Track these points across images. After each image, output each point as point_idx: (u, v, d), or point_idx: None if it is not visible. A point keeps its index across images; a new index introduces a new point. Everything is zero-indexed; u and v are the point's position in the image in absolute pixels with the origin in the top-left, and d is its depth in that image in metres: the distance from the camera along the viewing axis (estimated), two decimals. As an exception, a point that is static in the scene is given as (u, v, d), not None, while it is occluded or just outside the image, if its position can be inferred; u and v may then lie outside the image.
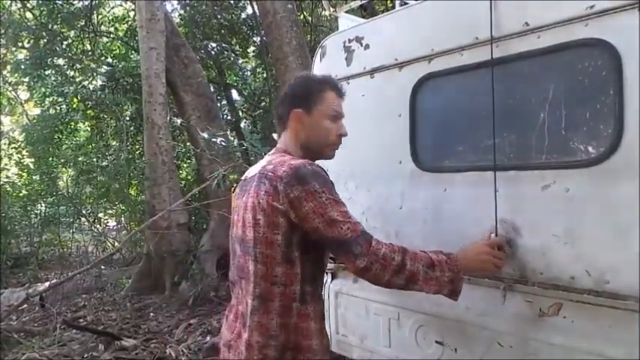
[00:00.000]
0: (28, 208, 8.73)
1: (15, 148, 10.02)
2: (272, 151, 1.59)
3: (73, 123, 10.09)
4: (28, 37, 9.78)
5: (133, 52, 9.99)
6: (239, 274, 1.49)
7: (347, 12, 2.57)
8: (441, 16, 1.80)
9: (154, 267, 6.60)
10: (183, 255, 6.58)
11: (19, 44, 10.17)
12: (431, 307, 1.80)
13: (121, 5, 10.82)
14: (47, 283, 6.56)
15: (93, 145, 9.83)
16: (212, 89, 8.92)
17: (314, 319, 1.43)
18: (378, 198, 2.00)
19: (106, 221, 10.22)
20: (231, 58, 10.24)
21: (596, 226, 1.39)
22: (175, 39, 7.49)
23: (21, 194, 9.17)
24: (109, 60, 10.39)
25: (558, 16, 1.46)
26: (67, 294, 6.24)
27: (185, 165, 9.84)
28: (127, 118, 9.26)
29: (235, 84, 10.90)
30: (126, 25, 10.50)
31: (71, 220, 8.73)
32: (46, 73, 9.82)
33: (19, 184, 9.71)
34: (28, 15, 10.14)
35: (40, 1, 9.49)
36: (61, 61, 10.15)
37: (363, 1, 2.72)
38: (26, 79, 10.23)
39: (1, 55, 10.14)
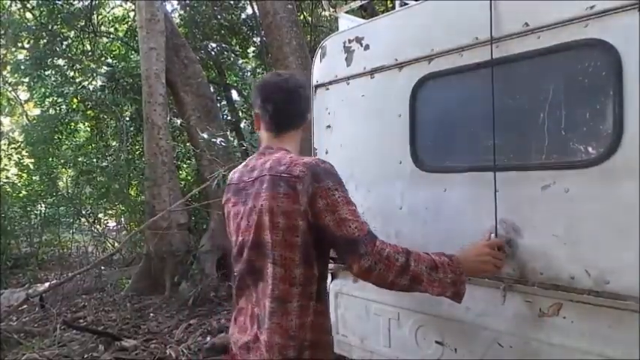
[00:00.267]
0: (28, 209, 8.73)
1: (15, 148, 10.02)
2: (270, 150, 1.53)
3: (72, 123, 10.09)
4: (28, 38, 9.79)
5: (132, 52, 10.00)
6: (252, 277, 1.46)
7: (347, 12, 2.57)
8: (441, 16, 1.80)
9: (153, 267, 6.60)
10: (183, 255, 6.58)
11: (19, 44, 10.17)
12: (431, 308, 1.80)
13: (121, 5, 10.83)
14: (47, 284, 6.56)
15: (93, 145, 9.84)
16: (212, 89, 8.92)
17: (326, 315, 1.48)
18: (378, 198, 2.00)
19: (105, 221, 10.22)
20: (231, 59, 10.24)
21: (596, 226, 1.39)
22: (175, 39, 7.49)
23: (21, 195, 9.17)
24: (109, 60, 10.39)
25: (558, 16, 1.46)
26: (67, 294, 6.24)
27: (185, 165, 9.84)
28: (127, 119, 9.26)
29: (235, 84, 10.90)
30: (126, 25, 10.51)
31: (71, 220, 8.74)
32: (46, 73, 9.82)
33: (18, 184, 9.72)
34: (28, 15, 10.14)
35: (40, 2, 9.49)
36: (61, 62, 10.15)
37: (363, 2, 2.72)
38: (26, 80, 10.25)
39: (1, 56, 10.14)
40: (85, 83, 10.02)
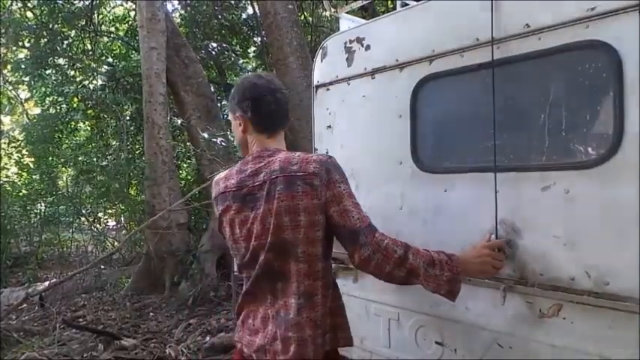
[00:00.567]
0: (28, 208, 8.72)
1: (15, 147, 9.99)
2: (268, 152, 1.51)
3: (73, 122, 10.07)
4: (29, 37, 9.78)
5: (133, 51, 10.00)
6: (270, 279, 1.46)
7: (347, 13, 2.57)
8: (442, 17, 1.80)
9: (153, 267, 6.60)
10: (183, 255, 6.58)
11: (20, 43, 10.17)
12: (431, 308, 1.80)
13: (122, 5, 10.84)
14: (47, 283, 6.57)
15: (93, 144, 9.82)
16: (212, 89, 8.91)
17: (341, 298, 1.58)
18: (379, 198, 2.01)
19: (105, 221, 10.20)
20: (232, 59, 10.24)
21: (596, 227, 1.39)
22: (176, 39, 7.49)
23: (21, 194, 9.16)
24: (110, 60, 10.39)
25: (559, 17, 1.47)
26: (67, 293, 6.25)
27: (185, 165, 9.83)
28: (128, 118, 9.26)
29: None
30: (126, 24, 10.51)
31: (71, 219, 8.73)
32: (47, 72, 9.81)
33: (18, 183, 9.71)
34: (29, 14, 10.15)
35: (41, 1, 9.49)
36: (61, 61, 10.15)
37: (364, 2, 2.72)
38: (26, 79, 10.23)
39: (2, 55, 10.14)
40: (86, 82, 10.02)
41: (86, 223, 9.05)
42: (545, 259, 1.50)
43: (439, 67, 1.80)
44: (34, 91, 10.59)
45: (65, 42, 9.92)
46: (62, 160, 9.31)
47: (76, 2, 9.56)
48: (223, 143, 6.43)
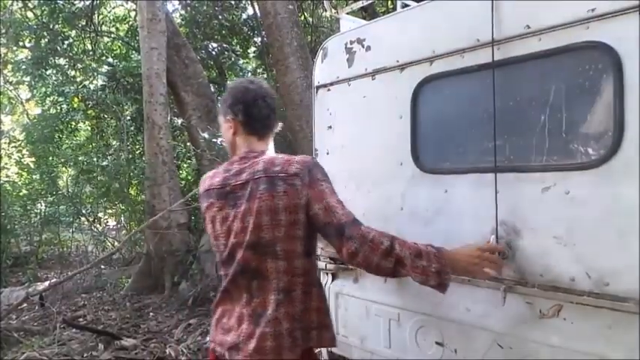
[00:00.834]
0: (28, 208, 8.71)
1: (15, 147, 9.99)
2: (254, 153, 1.56)
3: (73, 122, 10.06)
4: (29, 37, 9.79)
5: (133, 52, 9.99)
6: (246, 277, 1.49)
7: (348, 13, 2.57)
8: (443, 18, 1.80)
9: (153, 267, 6.60)
10: (183, 255, 6.58)
11: (20, 44, 10.17)
12: (431, 308, 1.80)
13: (122, 5, 10.83)
14: (47, 283, 6.57)
15: (93, 144, 9.82)
16: (212, 89, 8.91)
17: (326, 299, 1.60)
18: (379, 199, 2.01)
19: (105, 221, 10.20)
20: (232, 59, 10.24)
21: (596, 228, 1.40)
22: (176, 39, 7.50)
23: (21, 193, 9.16)
24: (110, 60, 10.39)
25: (559, 18, 1.47)
26: (67, 293, 6.24)
27: (185, 165, 9.83)
28: (128, 118, 9.25)
29: (236, 84, 10.89)
30: (127, 25, 10.51)
31: (71, 219, 8.72)
32: (47, 72, 9.82)
33: (19, 183, 9.70)
34: (30, 14, 10.15)
35: (42, 1, 9.49)
36: (62, 61, 10.16)
37: (365, 3, 2.72)
38: (27, 79, 10.24)
39: (2, 55, 10.14)
40: (86, 82, 10.02)
41: (86, 223, 9.04)
42: (546, 260, 1.50)
43: (440, 68, 1.80)
44: (35, 91, 10.59)
45: (66, 42, 9.92)
46: (62, 160, 9.30)
47: (76, 2, 9.56)
48: (224, 143, 6.43)
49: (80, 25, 9.55)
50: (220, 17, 9.42)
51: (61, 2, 9.24)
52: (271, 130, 1.65)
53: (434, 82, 1.84)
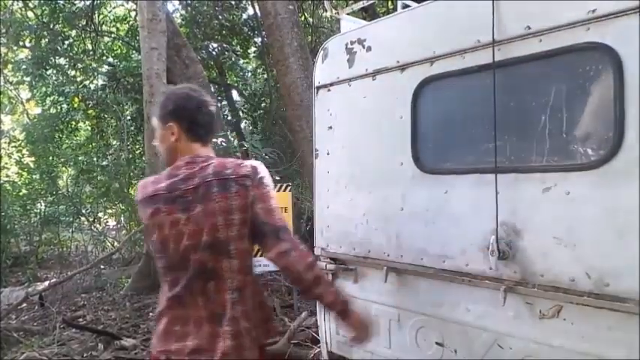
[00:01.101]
0: (28, 207, 8.72)
1: (15, 147, 10.01)
2: (200, 158, 1.57)
3: (73, 122, 10.08)
4: (30, 37, 9.79)
5: (134, 52, 10.00)
6: (202, 279, 1.50)
7: (348, 14, 2.58)
8: (443, 18, 1.81)
9: (153, 267, 6.57)
10: (183, 255, 6.56)
11: (21, 43, 10.17)
12: (431, 309, 1.80)
13: (123, 5, 10.83)
14: (47, 283, 6.57)
15: (93, 144, 9.83)
16: (213, 90, 8.93)
17: (262, 292, 1.69)
18: (379, 199, 2.01)
19: (105, 221, 10.21)
20: (232, 59, 10.24)
21: (596, 228, 1.40)
22: (176, 39, 7.49)
23: (21, 193, 9.16)
24: (110, 60, 10.39)
25: (560, 20, 1.47)
26: (67, 293, 6.24)
27: (185, 165, 9.80)
28: (128, 118, 9.25)
29: (236, 84, 10.90)
30: (127, 25, 10.51)
31: (71, 219, 8.73)
32: (48, 72, 9.81)
33: (19, 183, 9.71)
34: (30, 14, 10.14)
35: (42, 1, 9.49)
36: (62, 61, 10.15)
37: (365, 4, 2.72)
38: (27, 79, 10.23)
39: (3, 54, 10.14)
40: (86, 82, 10.02)
41: (86, 223, 9.05)
42: (546, 260, 1.50)
43: (440, 69, 1.80)
44: (35, 90, 10.59)
45: (66, 42, 9.92)
46: (62, 159, 9.32)
47: (76, 2, 9.56)
48: (224, 143, 6.43)
49: (80, 25, 9.54)
50: (221, 17, 9.42)
51: (62, 2, 9.24)
52: (213, 136, 1.70)
53: (434, 82, 1.84)
